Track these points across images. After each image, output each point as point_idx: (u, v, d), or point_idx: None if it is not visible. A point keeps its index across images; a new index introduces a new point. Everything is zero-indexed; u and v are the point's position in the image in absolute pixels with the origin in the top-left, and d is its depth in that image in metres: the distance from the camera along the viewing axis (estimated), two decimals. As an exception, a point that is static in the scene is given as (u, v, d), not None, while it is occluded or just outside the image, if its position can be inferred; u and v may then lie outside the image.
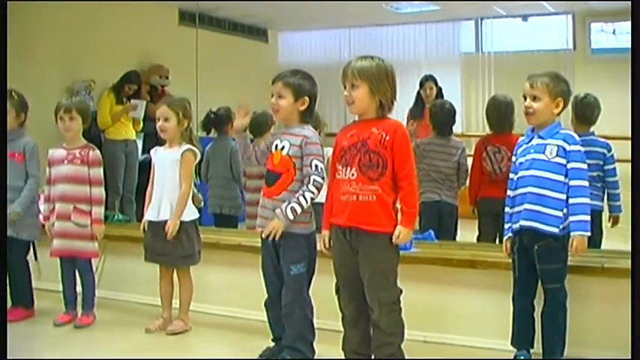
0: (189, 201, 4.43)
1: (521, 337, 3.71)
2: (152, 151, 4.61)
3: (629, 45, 3.32)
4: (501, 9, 9.27)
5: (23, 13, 6.91)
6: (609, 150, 4.52)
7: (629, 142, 3.18)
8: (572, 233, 3.51)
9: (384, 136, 3.36)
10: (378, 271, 3.38)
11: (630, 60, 3.15)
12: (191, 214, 4.44)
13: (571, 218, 3.51)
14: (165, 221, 4.34)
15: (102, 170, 4.70)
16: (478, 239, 5.17)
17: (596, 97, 4.82)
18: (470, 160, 5.43)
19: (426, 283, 3.75)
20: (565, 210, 3.54)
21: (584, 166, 3.58)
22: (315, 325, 3.77)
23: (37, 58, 6.99)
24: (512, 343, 3.75)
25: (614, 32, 9.04)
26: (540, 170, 3.59)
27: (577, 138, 3.63)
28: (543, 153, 3.60)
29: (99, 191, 4.63)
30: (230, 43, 9.77)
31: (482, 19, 9.92)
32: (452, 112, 5.59)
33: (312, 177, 3.61)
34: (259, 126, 5.32)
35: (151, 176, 4.53)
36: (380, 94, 3.39)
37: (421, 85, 7.22)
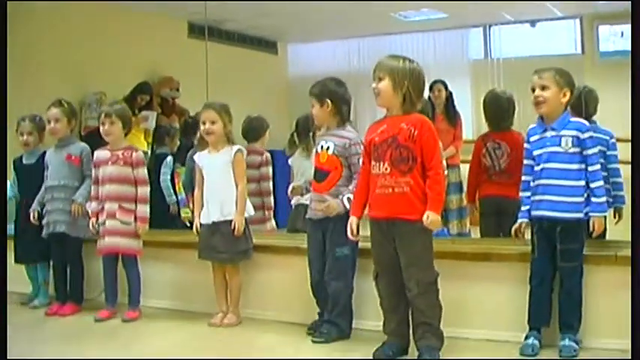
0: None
1: (537, 315, 3.82)
2: (196, 157, 4.77)
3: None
4: (509, 15, 9.28)
5: (33, 27, 6.99)
6: (611, 137, 4.51)
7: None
8: (591, 214, 3.74)
9: (412, 130, 3.63)
10: (415, 253, 3.65)
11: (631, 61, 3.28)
12: (248, 211, 4.61)
13: (593, 199, 3.74)
14: (221, 221, 4.53)
15: (146, 170, 4.97)
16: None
17: (592, 89, 4.86)
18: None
19: (440, 278, 3.72)
20: (585, 194, 3.76)
21: (597, 150, 3.83)
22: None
23: (48, 72, 7.06)
24: (528, 322, 3.85)
25: (622, 35, 9.02)
26: (559, 162, 3.78)
27: (588, 124, 3.87)
28: (559, 145, 3.78)
29: (144, 190, 4.90)
30: (240, 56, 9.80)
31: (490, 26, 9.93)
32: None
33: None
34: (254, 130, 5.34)
35: (198, 181, 4.70)
36: (403, 89, 3.64)
37: (430, 88, 7.19)
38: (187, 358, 4.06)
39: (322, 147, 4.22)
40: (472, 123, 9.23)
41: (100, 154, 4.95)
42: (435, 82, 7.25)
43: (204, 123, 4.61)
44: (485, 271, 4.11)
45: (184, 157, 6.02)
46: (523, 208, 3.96)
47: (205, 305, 4.79)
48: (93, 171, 4.96)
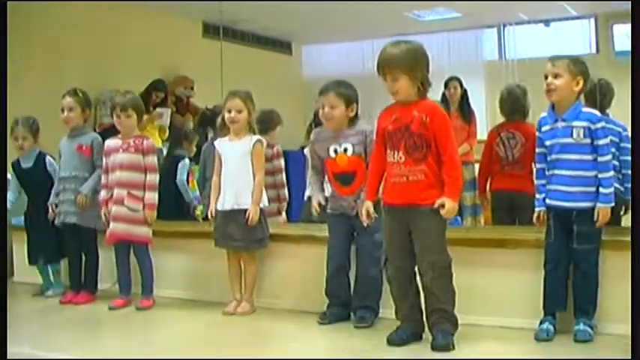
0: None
1: (553, 299, 3.80)
2: (216, 143, 4.75)
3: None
4: (524, 14, 9.27)
5: (50, 26, 7.05)
6: (624, 129, 4.50)
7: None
8: (598, 205, 3.71)
9: (424, 118, 3.60)
10: (430, 237, 3.63)
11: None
12: (263, 202, 4.61)
13: (600, 190, 3.72)
14: (236, 210, 4.53)
15: (156, 158, 4.97)
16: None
17: (609, 81, 4.92)
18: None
19: (455, 265, 3.70)
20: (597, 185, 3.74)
21: (608, 141, 3.78)
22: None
23: (64, 70, 7.12)
24: (543, 308, 3.83)
25: (637, 34, 8.97)
26: (571, 154, 3.76)
27: (599, 114, 3.84)
28: (571, 136, 3.76)
29: (153, 177, 4.89)
30: (254, 56, 9.85)
31: (504, 26, 9.93)
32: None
33: None
34: (263, 123, 5.30)
35: (217, 167, 4.70)
36: (418, 79, 3.62)
37: (446, 85, 7.20)
38: (200, 346, 4.04)
39: (337, 151, 4.22)
40: (486, 123, 9.21)
41: (111, 142, 4.96)
42: (451, 79, 7.26)
43: (229, 111, 4.60)
44: (500, 258, 4.09)
45: (199, 157, 6.00)
46: (539, 196, 3.95)
47: (219, 295, 4.77)
48: (103, 160, 4.96)
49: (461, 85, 7.20)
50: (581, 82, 3.79)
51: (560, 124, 3.80)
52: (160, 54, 8.33)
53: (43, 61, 6.95)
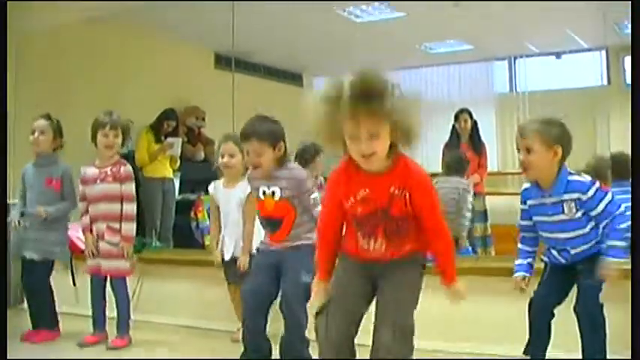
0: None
1: (536, 346, 3.44)
2: (211, 189, 4.59)
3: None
4: (534, 46, 9.30)
5: (60, 53, 7.09)
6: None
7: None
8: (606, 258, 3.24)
9: (406, 196, 2.65)
10: (402, 290, 2.76)
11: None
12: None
13: (608, 242, 3.26)
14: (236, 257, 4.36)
15: (133, 186, 4.69)
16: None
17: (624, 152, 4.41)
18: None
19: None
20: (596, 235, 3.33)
21: (609, 198, 3.28)
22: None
23: (75, 99, 7.11)
24: (524, 352, 3.48)
25: (649, 65, 8.97)
26: (567, 232, 3.36)
27: (587, 179, 3.33)
28: (563, 213, 3.33)
29: (130, 207, 4.60)
30: (266, 87, 9.87)
31: (515, 58, 9.96)
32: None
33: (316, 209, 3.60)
34: (304, 154, 5.22)
35: (213, 212, 4.55)
36: (394, 133, 2.55)
37: (456, 118, 7.20)
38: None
39: (265, 192, 3.73)
40: (497, 155, 9.24)
41: (89, 171, 4.66)
42: (461, 111, 7.26)
43: (222, 156, 4.38)
44: (510, 287, 4.02)
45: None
46: (521, 262, 3.51)
47: (226, 323, 4.74)
48: (80, 188, 4.69)
49: (471, 117, 7.19)
50: (560, 150, 3.25)
51: (549, 200, 3.36)
52: (171, 84, 8.36)
53: (54, 90, 6.98)
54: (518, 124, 9.25)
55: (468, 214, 5.79)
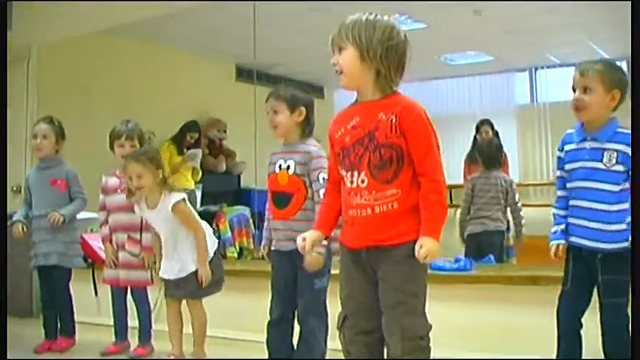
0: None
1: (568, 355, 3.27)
2: (142, 214, 4.36)
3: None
4: (555, 57, 9.27)
5: (82, 66, 7.16)
6: None
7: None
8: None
9: (393, 121, 2.58)
10: (402, 290, 2.62)
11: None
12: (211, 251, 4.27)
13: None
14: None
15: None
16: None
17: None
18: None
19: (488, 303, 3.65)
20: (629, 219, 3.04)
21: None
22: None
23: (97, 111, 7.18)
24: None
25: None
26: (599, 182, 3.12)
27: None
28: (601, 161, 3.11)
29: None
30: (287, 99, 9.87)
31: (536, 69, 9.93)
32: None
33: (321, 191, 3.41)
34: None
35: (154, 239, 4.35)
36: (375, 59, 2.66)
37: (477, 129, 7.20)
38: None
39: (280, 166, 3.60)
40: (518, 167, 9.20)
41: (110, 180, 4.64)
42: (482, 122, 7.27)
43: (130, 178, 4.13)
44: (533, 295, 4.00)
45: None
46: (556, 229, 3.31)
47: (252, 333, 4.68)
48: (100, 197, 4.69)
49: (492, 129, 7.18)
50: (618, 96, 3.09)
51: (589, 144, 3.15)
52: (193, 96, 8.42)
53: (75, 101, 7.02)
54: (540, 134, 9.51)
55: (520, 204, 5.73)
